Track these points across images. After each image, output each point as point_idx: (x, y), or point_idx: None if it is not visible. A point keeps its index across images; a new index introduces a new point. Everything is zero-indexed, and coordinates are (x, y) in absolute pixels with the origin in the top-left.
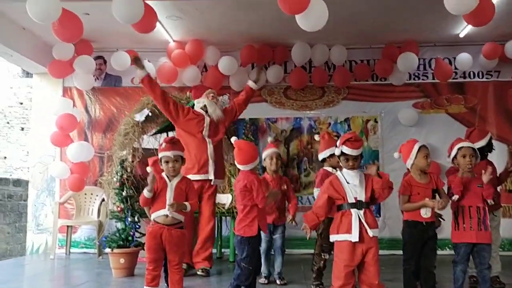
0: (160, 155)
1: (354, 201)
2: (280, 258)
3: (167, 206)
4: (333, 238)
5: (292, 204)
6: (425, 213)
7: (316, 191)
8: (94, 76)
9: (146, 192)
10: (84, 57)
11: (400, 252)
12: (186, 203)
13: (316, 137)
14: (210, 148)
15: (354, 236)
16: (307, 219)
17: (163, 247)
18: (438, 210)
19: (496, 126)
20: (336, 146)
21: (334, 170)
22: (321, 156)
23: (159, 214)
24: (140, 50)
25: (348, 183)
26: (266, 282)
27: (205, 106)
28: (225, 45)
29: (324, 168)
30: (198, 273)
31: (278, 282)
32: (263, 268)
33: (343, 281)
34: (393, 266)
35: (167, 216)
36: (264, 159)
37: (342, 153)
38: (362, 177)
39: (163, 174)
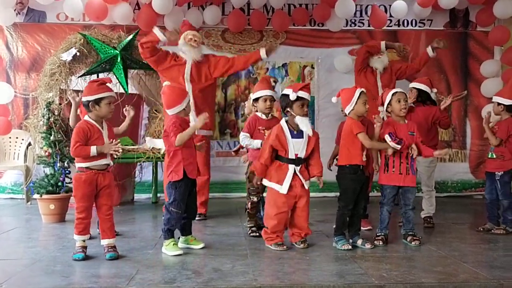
0: (102, 95)
1: (294, 157)
2: None
3: (108, 155)
4: (265, 182)
5: None
6: (365, 157)
7: (241, 135)
8: (15, 10)
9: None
10: None
11: (331, 194)
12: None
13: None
14: (190, 99)
15: (283, 189)
16: (259, 171)
17: (95, 194)
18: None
19: (426, 75)
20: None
21: (264, 116)
22: (252, 97)
23: (100, 163)
24: None
25: (295, 133)
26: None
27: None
28: None
29: (255, 113)
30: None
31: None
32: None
33: (276, 221)
34: (324, 208)
35: (109, 164)
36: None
37: (299, 99)
38: (310, 125)
39: (91, 121)
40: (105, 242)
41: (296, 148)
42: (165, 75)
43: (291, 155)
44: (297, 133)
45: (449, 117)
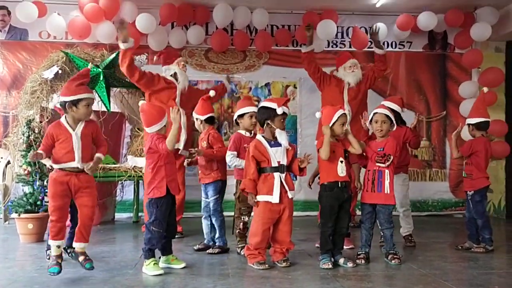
0: (80, 96)
1: (277, 165)
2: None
3: (76, 158)
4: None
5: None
6: (341, 172)
7: (228, 154)
8: None
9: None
10: None
11: (314, 213)
12: (98, 155)
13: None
14: (183, 118)
15: (275, 198)
16: (249, 187)
17: (69, 194)
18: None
19: (406, 95)
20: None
21: (248, 133)
22: (234, 116)
23: (68, 166)
24: (49, 2)
25: (272, 143)
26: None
27: (175, 74)
28: (143, 1)
29: (238, 131)
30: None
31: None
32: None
33: (260, 238)
34: (307, 227)
35: (78, 168)
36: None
37: (283, 113)
38: (287, 139)
39: (63, 122)
40: (77, 245)
41: (277, 155)
42: (155, 97)
43: (274, 163)
44: (274, 143)
45: (419, 137)
